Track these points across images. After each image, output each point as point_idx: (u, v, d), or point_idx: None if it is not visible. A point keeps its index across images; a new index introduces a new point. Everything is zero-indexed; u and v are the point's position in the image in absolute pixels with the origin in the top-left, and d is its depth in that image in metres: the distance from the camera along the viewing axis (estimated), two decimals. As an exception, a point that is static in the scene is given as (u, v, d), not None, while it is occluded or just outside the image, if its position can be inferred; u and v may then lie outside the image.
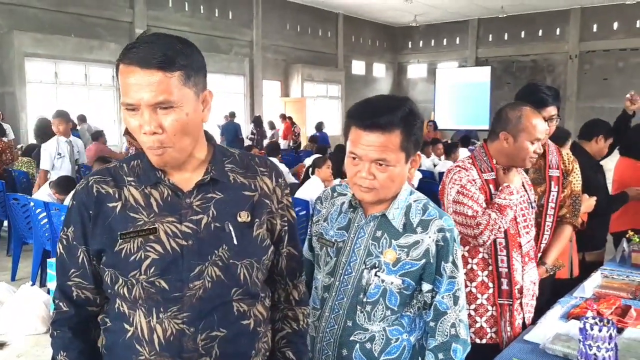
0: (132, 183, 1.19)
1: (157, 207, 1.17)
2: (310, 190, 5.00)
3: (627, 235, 3.00)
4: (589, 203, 2.85)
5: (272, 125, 14.14)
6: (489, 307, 2.07)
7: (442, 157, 8.35)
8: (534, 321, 2.14)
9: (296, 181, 6.62)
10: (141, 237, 1.14)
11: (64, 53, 11.18)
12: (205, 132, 1.25)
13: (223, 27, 14.48)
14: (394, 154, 1.40)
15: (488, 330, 2.07)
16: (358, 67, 19.42)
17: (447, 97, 18.77)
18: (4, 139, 7.65)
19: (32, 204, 4.81)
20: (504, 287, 2.05)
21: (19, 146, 8.97)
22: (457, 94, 18.46)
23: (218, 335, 1.16)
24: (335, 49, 18.26)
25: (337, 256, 1.53)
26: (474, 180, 2.06)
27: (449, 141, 10.81)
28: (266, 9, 15.45)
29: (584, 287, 2.44)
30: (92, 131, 9.43)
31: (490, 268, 2.06)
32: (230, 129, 12.09)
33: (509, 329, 2.06)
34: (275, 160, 6.63)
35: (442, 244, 1.45)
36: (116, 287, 1.16)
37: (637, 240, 2.89)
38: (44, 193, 5.01)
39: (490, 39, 18.57)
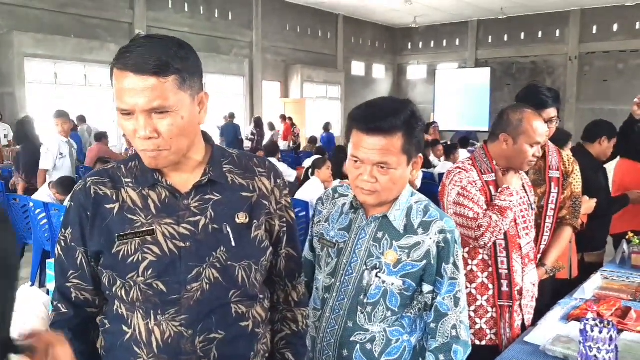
0: (130, 184, 1.19)
1: (154, 209, 1.16)
2: (310, 191, 4.99)
3: (627, 237, 3.00)
4: (589, 205, 2.85)
5: (271, 127, 14.14)
6: (489, 309, 2.06)
7: (442, 159, 8.36)
8: (534, 323, 2.13)
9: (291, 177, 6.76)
10: (139, 239, 1.14)
11: (64, 54, 11.16)
12: (204, 133, 1.25)
13: (223, 28, 14.47)
14: (395, 157, 1.40)
15: (488, 331, 2.06)
16: (358, 68, 19.40)
17: (446, 98, 18.75)
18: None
19: (31, 204, 4.80)
20: (504, 288, 2.05)
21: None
22: (457, 96, 18.45)
23: (216, 337, 1.16)
24: (335, 50, 18.25)
25: (338, 257, 1.53)
26: (474, 181, 2.06)
27: (449, 142, 10.81)
28: (266, 10, 15.45)
29: (584, 289, 2.44)
30: (91, 132, 9.43)
31: (490, 269, 2.06)
32: (230, 130, 12.06)
33: (508, 330, 2.06)
34: (274, 160, 6.63)
35: (443, 245, 1.45)
36: (114, 289, 1.15)
37: (637, 241, 2.89)
38: (43, 193, 5.00)
39: (490, 41, 18.56)
